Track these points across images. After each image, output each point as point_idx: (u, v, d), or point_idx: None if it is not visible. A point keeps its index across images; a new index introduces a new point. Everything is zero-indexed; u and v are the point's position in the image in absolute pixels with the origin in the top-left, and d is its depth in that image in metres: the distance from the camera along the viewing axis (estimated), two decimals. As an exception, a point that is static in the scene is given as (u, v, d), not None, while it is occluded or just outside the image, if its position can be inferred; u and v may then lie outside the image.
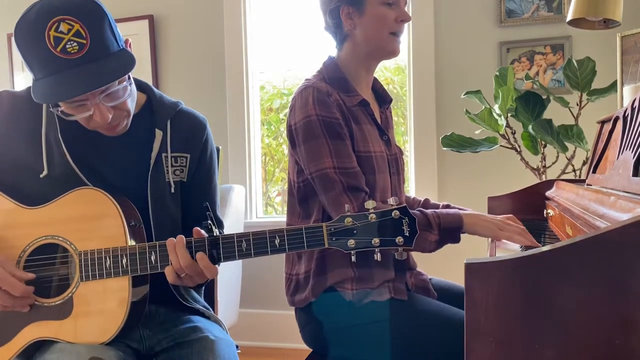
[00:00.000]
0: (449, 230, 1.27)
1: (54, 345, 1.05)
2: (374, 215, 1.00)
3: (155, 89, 1.27)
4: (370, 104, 1.42)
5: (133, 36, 2.98)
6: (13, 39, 1.03)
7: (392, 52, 1.40)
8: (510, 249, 1.20)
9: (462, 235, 1.30)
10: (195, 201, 1.24)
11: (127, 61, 1.06)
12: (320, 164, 1.29)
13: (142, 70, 2.97)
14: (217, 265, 1.06)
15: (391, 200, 1.01)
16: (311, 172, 1.31)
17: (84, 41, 0.99)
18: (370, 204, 1.01)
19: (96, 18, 1.02)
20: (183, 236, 1.05)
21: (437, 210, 1.30)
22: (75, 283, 1.07)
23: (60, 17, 0.98)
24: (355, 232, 1.00)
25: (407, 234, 0.99)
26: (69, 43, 0.99)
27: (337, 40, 1.43)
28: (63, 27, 0.98)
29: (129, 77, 1.11)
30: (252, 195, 2.91)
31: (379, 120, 1.45)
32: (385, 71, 3.12)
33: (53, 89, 1.01)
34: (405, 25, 1.40)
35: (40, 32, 0.98)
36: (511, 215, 1.40)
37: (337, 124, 1.30)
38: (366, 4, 1.35)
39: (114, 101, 1.07)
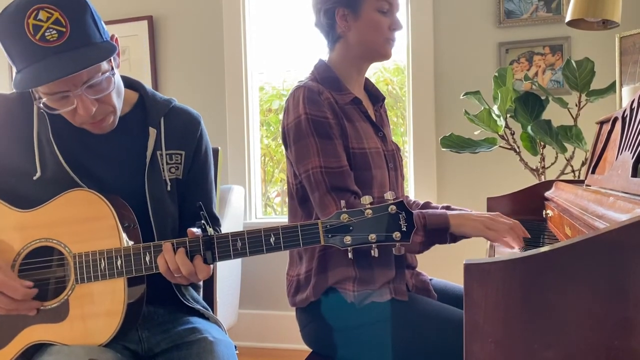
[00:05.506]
0: (435, 231, 1.25)
1: (51, 347, 1.05)
2: (370, 211, 0.98)
3: (147, 87, 1.26)
4: (363, 102, 1.42)
5: (132, 37, 2.98)
6: None
7: (385, 55, 1.41)
8: (510, 250, 1.20)
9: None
10: (192, 198, 1.23)
11: (108, 49, 1.05)
12: (307, 164, 1.29)
13: (141, 72, 2.97)
14: (211, 265, 1.05)
15: (388, 195, 1.00)
16: (300, 174, 1.31)
17: (64, 29, 0.99)
18: (366, 199, 0.99)
19: (76, 7, 1.01)
20: (183, 249, 1.03)
21: (423, 211, 1.28)
22: (71, 285, 1.06)
23: (38, 5, 0.98)
24: (351, 228, 0.98)
25: (405, 229, 0.98)
26: (47, 31, 0.98)
27: (328, 40, 1.43)
28: (42, 15, 0.97)
29: (113, 69, 1.09)
30: (252, 196, 2.91)
31: (373, 118, 1.45)
32: (384, 72, 3.12)
33: (32, 76, 0.99)
34: (402, 27, 1.42)
35: (19, 21, 0.98)
36: (498, 213, 1.34)
37: (327, 123, 1.29)
38: (362, 9, 1.35)
39: (98, 94, 1.06)
